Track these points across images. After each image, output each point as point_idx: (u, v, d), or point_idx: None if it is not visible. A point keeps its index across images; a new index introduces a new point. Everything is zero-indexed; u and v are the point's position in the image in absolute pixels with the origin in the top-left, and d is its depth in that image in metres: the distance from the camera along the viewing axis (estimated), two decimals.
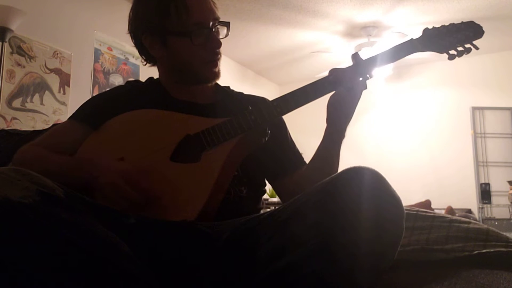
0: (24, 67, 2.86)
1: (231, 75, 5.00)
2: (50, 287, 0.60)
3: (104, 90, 3.27)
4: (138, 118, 1.00)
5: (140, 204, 0.85)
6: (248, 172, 1.02)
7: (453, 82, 5.04)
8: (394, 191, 0.70)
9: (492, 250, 0.98)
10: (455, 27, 0.93)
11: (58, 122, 2.35)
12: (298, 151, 1.12)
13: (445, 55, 0.94)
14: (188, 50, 0.99)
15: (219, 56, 1.03)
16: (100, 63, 3.42)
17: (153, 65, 1.10)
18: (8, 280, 0.59)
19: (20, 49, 2.84)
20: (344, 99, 0.95)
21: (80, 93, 3.19)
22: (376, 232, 0.66)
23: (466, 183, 4.63)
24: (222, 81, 1.11)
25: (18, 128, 2.10)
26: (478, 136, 4.64)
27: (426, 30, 0.95)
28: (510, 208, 4.39)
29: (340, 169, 0.77)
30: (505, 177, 4.44)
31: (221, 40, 1.02)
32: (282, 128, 1.13)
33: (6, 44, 2.63)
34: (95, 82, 3.36)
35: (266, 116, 0.92)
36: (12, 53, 2.78)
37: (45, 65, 2.99)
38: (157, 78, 1.12)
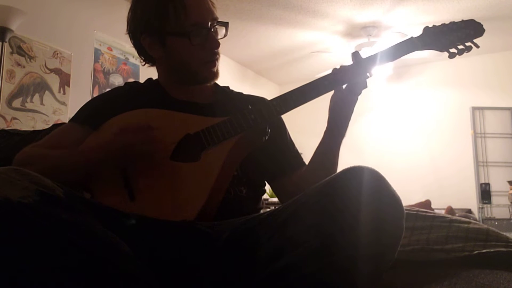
0: (24, 67, 2.86)
1: (231, 75, 5.00)
2: (50, 287, 0.60)
3: (104, 90, 3.29)
4: (137, 118, 1.00)
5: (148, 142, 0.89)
6: (247, 172, 1.02)
7: (453, 82, 5.04)
8: (394, 191, 0.70)
9: (492, 250, 0.98)
10: (455, 25, 0.93)
11: (58, 122, 2.35)
12: (297, 152, 1.12)
13: (445, 55, 0.94)
14: (186, 50, 0.99)
15: (218, 56, 1.03)
16: (100, 63, 3.42)
17: (152, 65, 1.10)
18: (8, 280, 0.59)
19: (20, 49, 2.84)
20: (344, 98, 0.95)
21: (80, 93, 3.19)
22: (376, 233, 0.66)
23: (466, 183, 4.63)
24: (222, 81, 1.11)
25: (18, 128, 2.10)
26: (478, 136, 4.64)
27: (426, 29, 0.95)
28: (510, 208, 4.39)
29: (339, 169, 0.77)
30: (505, 177, 4.43)
31: (220, 40, 1.02)
32: (282, 129, 1.13)
33: (6, 44, 2.63)
34: (95, 82, 3.36)
35: (266, 115, 0.92)
36: (12, 53, 2.78)
37: (45, 65, 2.99)
38: (156, 79, 1.13)
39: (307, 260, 0.65)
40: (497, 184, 4.46)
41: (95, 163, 0.91)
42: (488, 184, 4.48)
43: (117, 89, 1.14)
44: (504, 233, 1.08)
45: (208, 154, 0.91)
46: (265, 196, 3.48)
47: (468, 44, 0.93)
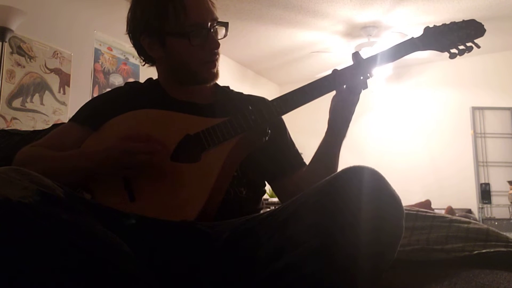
0: (24, 67, 2.86)
1: (231, 75, 4.99)
2: (50, 287, 0.60)
3: (104, 90, 3.29)
4: (138, 118, 1.00)
5: (153, 156, 0.88)
6: (247, 172, 1.02)
7: (453, 82, 5.04)
8: (394, 190, 0.70)
9: (492, 250, 0.98)
10: (456, 25, 0.93)
11: (58, 122, 2.35)
12: (297, 152, 1.12)
13: (445, 55, 0.94)
14: (186, 50, 0.99)
15: (218, 56, 1.02)
16: (100, 63, 3.42)
17: (152, 65, 1.10)
18: (8, 280, 0.59)
19: (20, 49, 2.84)
20: (345, 99, 0.95)
21: (80, 93, 3.19)
22: (376, 232, 0.66)
23: (466, 183, 4.62)
24: (222, 81, 1.11)
25: (18, 128, 2.10)
26: (478, 136, 4.64)
27: (427, 29, 0.95)
28: (510, 208, 4.39)
29: (339, 169, 0.77)
30: (505, 177, 4.43)
31: (220, 40, 1.02)
32: (282, 129, 1.13)
33: (6, 44, 2.63)
34: (95, 82, 3.36)
35: (266, 115, 0.92)
36: (12, 53, 2.78)
37: (45, 65, 2.99)
38: (156, 79, 1.13)
39: (307, 260, 0.65)
40: (497, 184, 4.46)
41: (93, 168, 0.91)
42: (488, 184, 4.47)
43: (117, 89, 1.14)
44: (504, 233, 1.08)
45: (208, 154, 0.91)
46: (265, 196, 3.47)
47: (469, 44, 0.93)
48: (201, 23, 0.98)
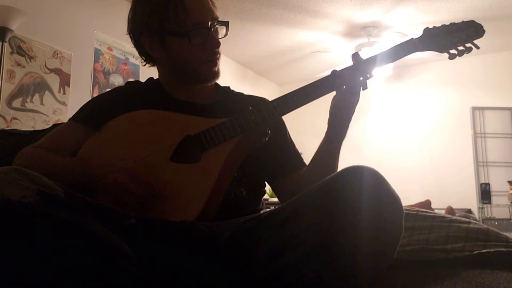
0: (24, 67, 2.86)
1: (231, 75, 4.99)
2: (49, 287, 0.60)
3: (104, 90, 3.29)
4: (138, 119, 1.00)
5: (145, 201, 0.85)
6: (247, 173, 1.02)
7: (453, 82, 5.04)
8: (394, 190, 0.70)
9: (492, 250, 0.98)
10: (455, 26, 0.93)
11: (58, 122, 2.35)
12: (297, 152, 1.12)
13: (445, 55, 0.94)
14: (187, 50, 0.99)
15: (218, 55, 1.03)
16: (100, 63, 3.42)
17: (153, 65, 1.10)
18: (8, 280, 0.59)
19: (20, 49, 2.84)
20: (345, 99, 0.95)
21: (80, 93, 3.19)
22: (375, 232, 0.66)
23: (466, 183, 4.62)
24: (222, 81, 1.11)
25: (18, 128, 2.10)
26: (478, 136, 4.64)
27: (426, 30, 0.95)
28: (510, 208, 4.39)
29: (339, 169, 0.77)
30: (505, 177, 4.43)
31: (220, 39, 1.02)
32: (282, 129, 1.13)
33: (6, 44, 2.62)
34: (95, 82, 3.35)
35: (266, 116, 0.92)
36: (12, 53, 2.78)
37: (45, 65, 2.99)
38: (157, 79, 1.13)
39: (307, 260, 0.65)
40: (497, 184, 4.46)
41: (89, 182, 0.90)
42: (488, 184, 4.47)
43: (118, 89, 1.14)
44: (504, 233, 1.08)
45: (208, 155, 0.91)
46: (265, 196, 3.47)
47: (468, 45, 0.93)
48: (201, 23, 0.98)
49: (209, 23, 1.00)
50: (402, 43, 0.94)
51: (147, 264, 0.71)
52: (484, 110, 4.69)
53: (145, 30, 1.01)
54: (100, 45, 3.43)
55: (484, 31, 0.92)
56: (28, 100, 2.88)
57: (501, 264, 0.95)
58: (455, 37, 0.92)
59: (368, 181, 0.69)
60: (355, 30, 4.30)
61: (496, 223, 4.27)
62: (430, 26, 0.95)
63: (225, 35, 1.04)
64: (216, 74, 1.04)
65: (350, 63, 0.95)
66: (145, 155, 0.93)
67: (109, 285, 0.63)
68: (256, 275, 0.70)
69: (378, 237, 0.67)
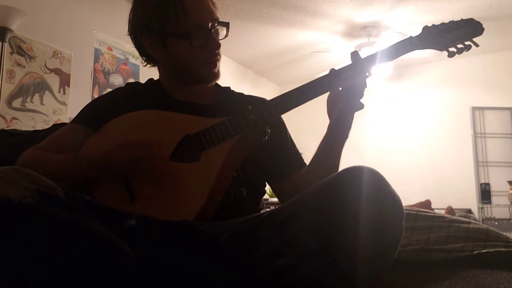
0: (24, 67, 2.86)
1: (231, 75, 4.99)
2: (49, 287, 0.60)
3: (104, 90, 3.29)
4: (138, 119, 1.00)
5: (154, 159, 0.89)
6: (247, 173, 1.02)
7: (453, 82, 5.04)
8: (394, 190, 0.70)
9: (492, 250, 0.98)
10: (454, 24, 0.93)
11: (58, 122, 2.35)
12: (298, 153, 1.12)
13: (445, 54, 0.94)
14: (187, 51, 0.99)
15: (219, 57, 1.03)
16: (100, 63, 3.42)
17: (154, 65, 1.10)
18: (8, 280, 0.59)
19: (20, 49, 2.84)
20: (344, 98, 0.94)
21: (80, 93, 3.19)
22: (375, 234, 0.66)
23: (466, 183, 4.62)
24: (222, 81, 1.11)
25: (18, 128, 2.10)
26: (478, 136, 4.64)
27: (425, 28, 0.95)
28: (510, 208, 4.39)
29: (339, 169, 0.77)
30: (505, 177, 4.43)
31: (221, 40, 1.02)
32: (282, 129, 1.12)
33: (6, 44, 2.62)
34: (95, 82, 3.35)
35: (265, 115, 0.92)
36: (12, 53, 2.78)
37: (45, 65, 2.99)
38: (157, 79, 1.13)
39: (307, 261, 0.65)
40: (497, 184, 4.46)
41: (91, 174, 0.92)
42: (488, 184, 4.47)
43: (118, 90, 1.14)
44: (504, 233, 1.08)
45: (208, 154, 0.91)
46: (265, 196, 3.46)
47: (467, 43, 0.93)
48: (201, 24, 0.98)
49: (210, 24, 0.99)
50: (401, 41, 0.95)
51: (147, 264, 0.71)
52: (484, 110, 4.69)
53: (145, 31, 1.01)
54: (100, 45, 3.43)
55: (483, 29, 0.92)
56: (28, 100, 2.88)
57: (501, 264, 0.95)
58: (454, 35, 0.92)
59: (368, 182, 0.69)
60: (355, 30, 4.30)
61: (496, 223, 4.27)
62: (429, 24, 0.95)
63: (226, 36, 1.04)
64: (216, 75, 1.04)
65: (349, 62, 0.95)
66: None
67: (109, 285, 0.63)
68: (256, 276, 0.70)
69: (378, 238, 0.66)
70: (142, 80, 1.16)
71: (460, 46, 0.93)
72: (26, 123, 2.83)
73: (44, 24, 3.01)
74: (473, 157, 4.59)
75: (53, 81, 3.04)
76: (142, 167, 0.89)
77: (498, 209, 4.53)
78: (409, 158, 5.07)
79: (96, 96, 3.27)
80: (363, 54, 0.93)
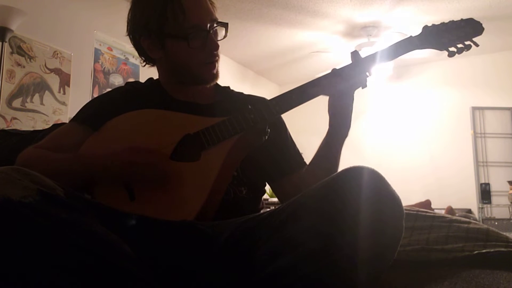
0: (24, 67, 2.86)
1: (231, 75, 4.99)
2: (49, 287, 0.60)
3: (104, 90, 3.29)
4: (138, 118, 1.00)
5: (158, 166, 0.89)
6: (247, 172, 1.02)
7: (453, 82, 5.04)
8: (394, 190, 0.70)
9: (492, 250, 0.98)
10: (454, 24, 0.94)
11: (58, 122, 2.35)
12: (298, 153, 1.12)
13: (445, 54, 0.94)
14: (185, 52, 0.99)
15: (217, 57, 1.02)
16: (100, 63, 3.42)
17: (153, 65, 1.10)
18: (8, 280, 0.59)
19: (20, 49, 2.84)
20: (343, 98, 0.94)
21: (80, 93, 3.19)
22: (375, 233, 0.66)
23: (466, 183, 4.62)
24: (222, 82, 1.11)
25: (18, 128, 2.10)
26: (478, 136, 4.64)
27: (425, 28, 0.95)
28: (510, 208, 4.39)
29: (339, 169, 0.77)
30: (505, 177, 4.43)
31: (220, 41, 1.02)
32: (282, 129, 1.12)
33: (6, 44, 2.62)
34: (95, 82, 3.35)
35: (265, 114, 0.92)
36: (12, 53, 2.78)
37: (45, 65, 2.99)
38: (157, 79, 1.13)
39: (306, 261, 0.65)
40: (497, 184, 4.46)
41: (92, 175, 0.91)
42: (488, 184, 4.47)
43: (118, 89, 1.14)
44: (504, 233, 1.08)
45: (208, 153, 0.91)
46: (265, 196, 3.46)
47: (467, 42, 0.93)
48: (200, 25, 0.98)
49: (208, 25, 0.99)
50: (401, 41, 0.95)
51: (147, 264, 0.71)
52: (484, 110, 4.69)
53: (144, 32, 1.01)
54: (100, 45, 3.43)
55: (483, 29, 0.92)
56: (28, 100, 2.88)
57: (501, 264, 0.95)
58: (454, 35, 0.93)
59: (368, 182, 0.69)
60: (355, 30, 4.30)
61: (496, 223, 4.27)
62: (429, 24, 0.95)
63: (225, 36, 1.04)
64: (215, 76, 1.04)
65: (349, 62, 0.95)
66: None
67: (109, 285, 0.63)
68: (256, 275, 0.69)
69: (378, 238, 0.66)
70: (142, 80, 1.16)
71: (460, 45, 0.93)
72: (26, 123, 2.83)
73: (44, 24, 3.01)
74: (473, 157, 4.59)
75: (53, 81, 3.04)
76: (144, 172, 0.89)
77: (498, 209, 4.53)
78: (409, 158, 5.07)
79: (96, 96, 3.27)
80: (363, 54, 0.93)
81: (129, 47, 3.52)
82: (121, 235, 0.70)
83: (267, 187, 1.12)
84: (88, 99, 3.19)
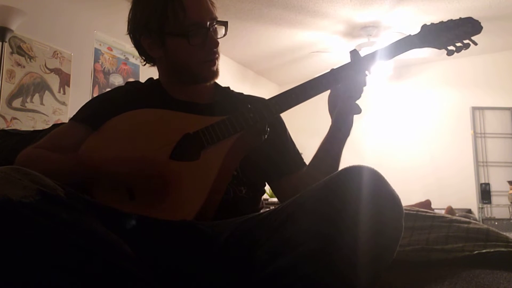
0: (24, 67, 2.86)
1: (231, 75, 4.99)
2: (49, 287, 0.60)
3: (104, 90, 3.29)
4: (138, 118, 1.00)
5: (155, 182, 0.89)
6: (247, 172, 1.02)
7: (453, 82, 5.04)
8: (393, 190, 0.70)
9: (492, 250, 0.98)
10: (453, 23, 0.94)
11: (58, 122, 2.35)
12: (297, 153, 1.12)
13: (445, 54, 0.94)
14: (185, 50, 0.99)
15: (217, 55, 1.03)
16: (100, 63, 3.42)
17: (153, 65, 1.10)
18: (8, 279, 0.59)
19: (20, 49, 2.84)
20: (343, 96, 0.94)
21: (80, 93, 3.19)
22: (375, 234, 0.66)
23: (466, 183, 4.62)
24: (222, 81, 1.11)
25: (18, 128, 2.10)
26: (478, 136, 4.64)
27: (424, 26, 0.95)
28: (510, 208, 4.39)
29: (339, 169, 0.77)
30: (505, 177, 4.43)
31: (219, 39, 1.02)
32: (282, 129, 1.12)
33: (6, 44, 2.62)
34: (95, 82, 3.35)
35: (265, 114, 0.92)
36: (12, 53, 2.78)
37: (45, 65, 2.99)
38: (157, 79, 1.13)
39: (306, 261, 0.65)
40: (497, 184, 4.46)
41: (91, 178, 0.92)
42: (488, 184, 4.47)
43: (118, 89, 1.14)
44: (504, 233, 1.08)
45: (208, 153, 0.91)
46: (265, 196, 3.46)
47: (466, 41, 0.93)
48: (200, 23, 0.98)
49: (208, 23, 1.00)
50: (400, 39, 0.95)
51: (147, 264, 0.71)
52: (484, 110, 4.69)
53: (144, 31, 1.01)
54: (100, 45, 3.43)
55: (481, 27, 0.92)
56: (28, 100, 2.88)
57: (501, 264, 0.95)
58: (452, 34, 0.93)
59: (368, 182, 0.69)
60: (355, 30, 4.30)
61: (496, 223, 4.27)
62: (428, 23, 0.95)
63: (224, 35, 1.04)
64: (215, 74, 1.04)
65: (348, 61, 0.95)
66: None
67: (109, 285, 0.63)
68: (255, 275, 0.69)
69: (377, 238, 0.66)
70: (142, 80, 1.16)
71: (459, 44, 0.94)
72: (26, 123, 2.83)
73: (44, 24, 3.01)
74: (473, 157, 4.59)
75: (53, 81, 3.04)
76: (141, 182, 0.90)
77: (498, 209, 4.53)
78: (409, 158, 5.07)
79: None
80: (363, 54, 0.93)
81: (129, 47, 3.53)
82: (121, 235, 0.71)
83: (267, 187, 1.12)
84: (88, 99, 3.17)
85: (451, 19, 0.94)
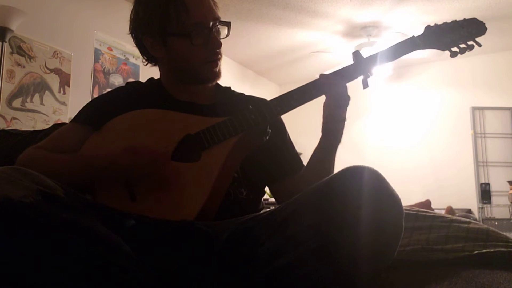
0: (24, 67, 2.86)
1: (231, 75, 4.99)
2: (49, 287, 0.60)
3: (104, 90, 3.29)
4: (139, 118, 1.00)
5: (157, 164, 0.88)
6: (247, 174, 1.02)
7: (453, 82, 5.04)
8: (393, 190, 0.70)
9: (492, 250, 0.98)
10: (457, 24, 0.93)
11: (58, 122, 2.35)
12: (297, 155, 1.12)
13: (445, 55, 0.94)
14: (188, 50, 0.99)
15: (220, 56, 1.02)
16: (100, 63, 3.42)
17: (154, 65, 1.10)
18: (8, 279, 0.59)
19: (20, 49, 2.84)
20: (341, 98, 0.94)
21: (80, 93, 3.19)
22: (375, 232, 0.66)
23: (466, 183, 4.62)
24: (222, 82, 1.11)
25: (18, 128, 2.10)
26: (478, 136, 4.64)
27: (428, 27, 0.94)
28: (510, 208, 4.39)
29: (339, 169, 0.77)
30: (505, 177, 4.43)
31: (221, 40, 1.02)
32: (282, 131, 1.12)
33: (6, 44, 2.63)
34: (95, 82, 3.35)
35: (266, 115, 0.92)
36: (12, 53, 2.78)
37: (45, 65, 2.99)
38: (157, 79, 1.13)
39: (307, 260, 0.65)
40: (497, 184, 4.46)
41: (93, 175, 0.92)
42: (488, 184, 4.47)
43: (119, 89, 1.14)
44: (504, 233, 1.08)
45: (209, 154, 0.91)
46: (265, 196, 3.45)
47: (470, 43, 0.93)
48: (202, 23, 0.98)
49: (211, 23, 0.99)
50: (404, 41, 0.94)
51: (147, 263, 0.71)
52: (484, 110, 4.69)
53: (146, 31, 1.01)
54: (100, 45, 3.43)
55: (486, 29, 0.91)
56: (28, 100, 2.88)
57: (501, 264, 0.94)
58: (456, 35, 0.92)
59: (368, 181, 0.69)
60: (355, 30, 4.30)
61: (496, 223, 4.27)
62: (432, 24, 0.95)
63: (227, 35, 1.04)
64: (217, 75, 1.04)
65: (350, 62, 0.95)
66: None
67: (109, 285, 0.63)
68: (256, 275, 0.70)
69: (378, 237, 0.67)
70: (142, 80, 1.16)
71: (462, 46, 0.93)
72: (26, 123, 2.83)
73: (44, 24, 3.01)
74: (473, 157, 4.59)
75: (53, 81, 3.04)
76: (143, 171, 0.89)
77: (498, 209, 4.53)
78: (409, 158, 5.07)
79: (96, 96, 3.27)
80: (364, 54, 0.93)
81: (129, 47, 3.53)
82: (121, 235, 0.71)
83: (266, 188, 1.12)
84: (88, 99, 3.20)
85: (455, 20, 0.93)
